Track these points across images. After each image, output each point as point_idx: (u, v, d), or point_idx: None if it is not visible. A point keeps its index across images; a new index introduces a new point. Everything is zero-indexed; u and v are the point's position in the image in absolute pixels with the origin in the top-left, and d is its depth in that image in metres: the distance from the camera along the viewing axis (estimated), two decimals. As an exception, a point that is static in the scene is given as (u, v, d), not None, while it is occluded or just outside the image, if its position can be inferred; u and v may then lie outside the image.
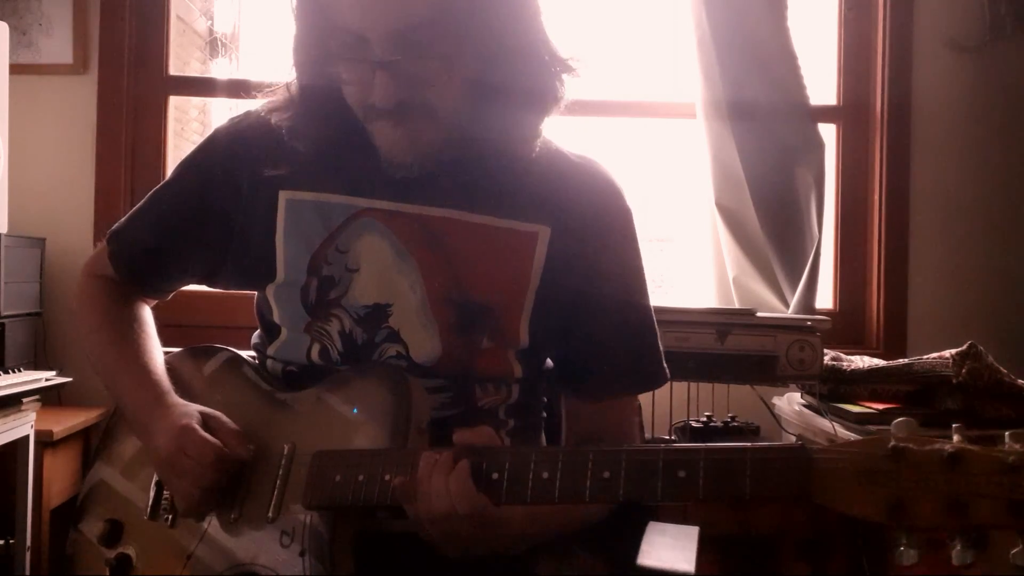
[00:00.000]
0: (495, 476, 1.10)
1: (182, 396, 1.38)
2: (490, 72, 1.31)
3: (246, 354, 1.49)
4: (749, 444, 1.00)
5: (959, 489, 0.84)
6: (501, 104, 1.33)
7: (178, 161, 1.54)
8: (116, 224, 1.56)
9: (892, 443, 0.88)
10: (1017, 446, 0.83)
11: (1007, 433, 0.84)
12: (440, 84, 1.27)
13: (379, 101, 1.25)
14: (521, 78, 1.33)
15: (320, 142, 1.37)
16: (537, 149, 1.39)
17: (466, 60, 1.28)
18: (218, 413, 1.32)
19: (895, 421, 0.90)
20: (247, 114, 1.49)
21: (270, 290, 1.42)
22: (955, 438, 0.87)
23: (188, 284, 1.59)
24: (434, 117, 1.29)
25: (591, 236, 1.41)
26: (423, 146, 1.31)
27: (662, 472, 1.03)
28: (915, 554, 0.88)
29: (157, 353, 1.47)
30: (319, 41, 1.29)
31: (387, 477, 1.16)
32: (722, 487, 0.99)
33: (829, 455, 0.92)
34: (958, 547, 0.86)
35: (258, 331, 1.50)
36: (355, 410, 1.29)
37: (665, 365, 1.47)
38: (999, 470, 0.83)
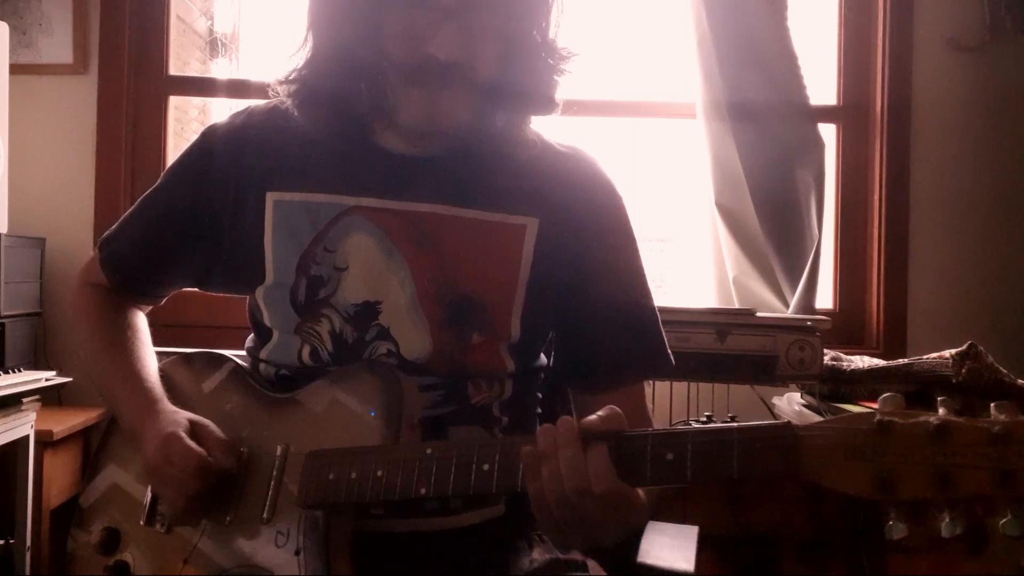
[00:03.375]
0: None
1: (176, 403, 1.37)
2: (514, 52, 1.32)
3: (238, 355, 1.49)
4: (736, 424, 0.99)
5: (946, 461, 0.84)
6: (515, 89, 1.34)
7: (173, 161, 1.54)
8: (107, 231, 1.56)
9: (878, 417, 0.88)
10: (1003, 416, 0.83)
11: (992, 404, 0.84)
12: (491, 46, 1.28)
13: (443, 53, 1.24)
14: (534, 63, 1.35)
15: (326, 116, 1.36)
16: (528, 141, 1.39)
17: (506, 29, 1.29)
18: (207, 422, 1.31)
19: (882, 396, 0.90)
20: (237, 113, 1.48)
21: (260, 292, 1.41)
22: (941, 411, 0.87)
23: (180, 289, 1.58)
24: (473, 87, 1.29)
25: (580, 226, 1.41)
26: (453, 118, 1.30)
27: (650, 456, 1.03)
28: (904, 527, 0.87)
29: (150, 360, 1.46)
30: None
31: (379, 473, 1.16)
32: (711, 468, 0.99)
33: (816, 432, 0.92)
34: (947, 519, 0.85)
35: (251, 335, 1.49)
36: (350, 409, 1.28)
37: (668, 350, 1.45)
38: (985, 441, 0.83)
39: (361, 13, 1.28)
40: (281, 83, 1.37)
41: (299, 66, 1.35)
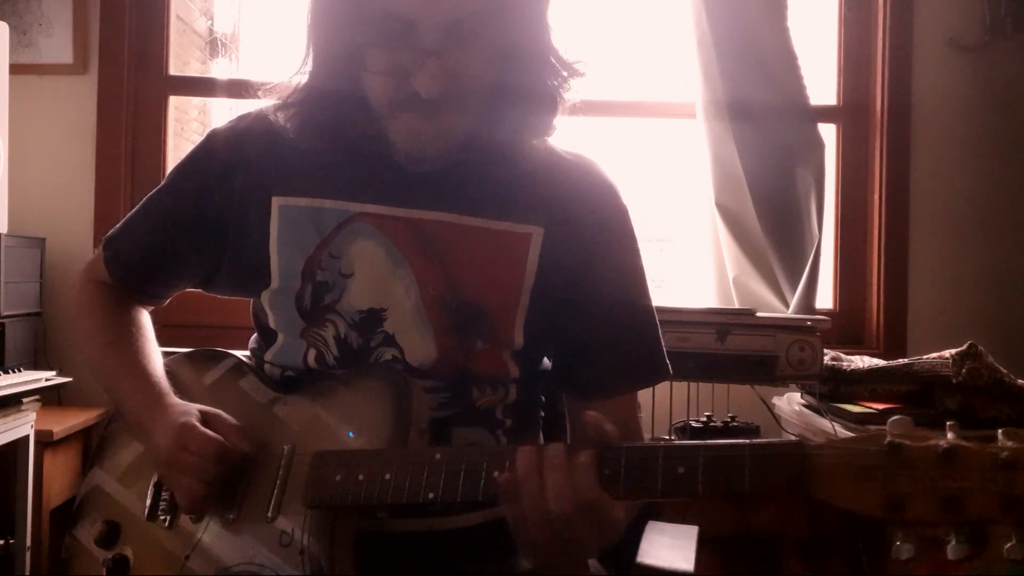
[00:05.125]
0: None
1: (182, 398, 1.37)
2: (509, 73, 1.32)
3: (243, 355, 1.49)
4: (747, 440, 1.00)
5: (953, 485, 0.85)
6: (514, 106, 1.34)
7: (178, 161, 1.53)
8: (111, 230, 1.56)
9: (888, 439, 0.88)
10: (1010, 443, 0.84)
11: (1000, 430, 0.85)
12: (477, 79, 1.28)
13: (425, 90, 1.24)
14: (533, 81, 1.35)
15: (325, 139, 1.36)
16: (532, 149, 1.40)
17: (496, 58, 1.29)
18: (218, 411, 1.32)
19: (891, 419, 0.90)
20: (243, 117, 1.48)
21: (265, 296, 1.42)
22: (949, 435, 0.87)
23: (183, 290, 1.58)
24: (464, 113, 1.29)
25: (585, 235, 1.41)
26: (447, 142, 1.31)
27: (662, 469, 1.03)
28: (911, 548, 0.88)
29: (156, 356, 1.46)
30: (352, 27, 1.28)
31: (387, 476, 1.17)
32: (722, 483, 1.00)
33: (826, 451, 0.93)
34: (953, 542, 0.86)
35: (255, 335, 1.50)
36: (354, 411, 1.29)
37: (667, 360, 1.47)
38: (993, 466, 0.84)
39: (347, 49, 1.30)
40: (279, 108, 1.38)
41: (297, 90, 1.36)
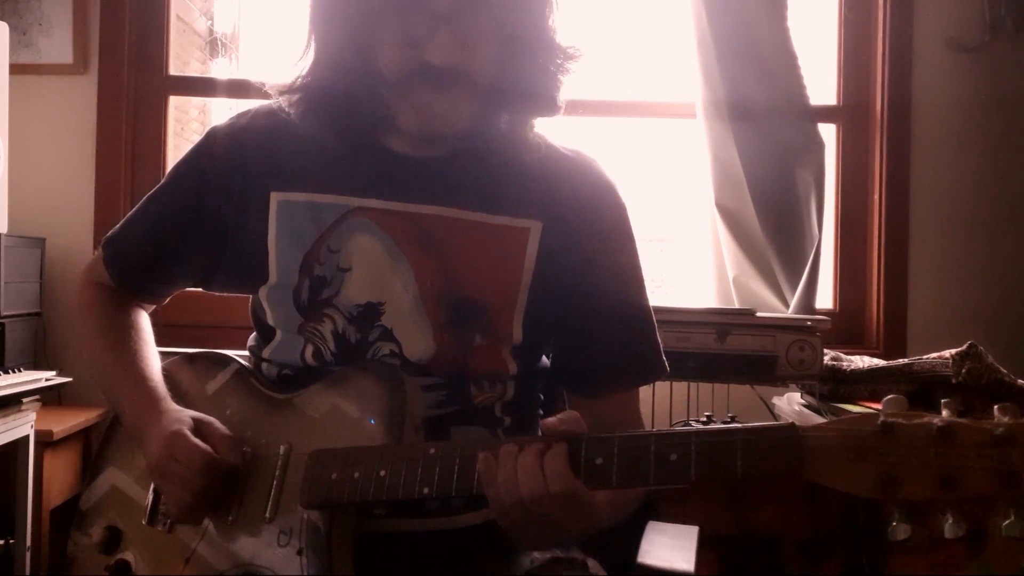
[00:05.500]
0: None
1: (179, 402, 1.38)
2: (514, 51, 1.32)
3: (241, 355, 1.49)
4: (740, 425, 1.00)
5: (949, 462, 0.85)
6: (518, 87, 1.35)
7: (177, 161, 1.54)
8: (111, 230, 1.56)
9: (882, 418, 0.88)
10: (1006, 418, 0.84)
11: (996, 406, 0.85)
12: (486, 50, 1.29)
13: (439, 58, 1.25)
14: (536, 61, 1.35)
15: (330, 126, 1.37)
16: (532, 144, 1.40)
17: (504, 31, 1.30)
18: (212, 419, 1.32)
19: (886, 398, 0.90)
20: (243, 114, 1.49)
21: (263, 292, 1.42)
22: (944, 412, 0.87)
23: (183, 288, 1.59)
24: (473, 89, 1.30)
25: (583, 230, 1.41)
26: (456, 121, 1.31)
27: (654, 456, 1.03)
28: (908, 528, 0.88)
29: (154, 359, 1.47)
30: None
31: (382, 473, 1.17)
32: (714, 469, 1.00)
33: (819, 433, 0.93)
34: (950, 520, 0.86)
35: (254, 334, 1.50)
36: (353, 410, 1.28)
37: (663, 357, 1.47)
38: (988, 442, 0.84)
39: (357, 22, 1.30)
40: (283, 93, 1.38)
41: (301, 75, 1.36)
